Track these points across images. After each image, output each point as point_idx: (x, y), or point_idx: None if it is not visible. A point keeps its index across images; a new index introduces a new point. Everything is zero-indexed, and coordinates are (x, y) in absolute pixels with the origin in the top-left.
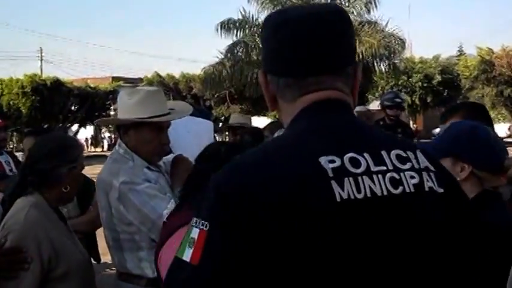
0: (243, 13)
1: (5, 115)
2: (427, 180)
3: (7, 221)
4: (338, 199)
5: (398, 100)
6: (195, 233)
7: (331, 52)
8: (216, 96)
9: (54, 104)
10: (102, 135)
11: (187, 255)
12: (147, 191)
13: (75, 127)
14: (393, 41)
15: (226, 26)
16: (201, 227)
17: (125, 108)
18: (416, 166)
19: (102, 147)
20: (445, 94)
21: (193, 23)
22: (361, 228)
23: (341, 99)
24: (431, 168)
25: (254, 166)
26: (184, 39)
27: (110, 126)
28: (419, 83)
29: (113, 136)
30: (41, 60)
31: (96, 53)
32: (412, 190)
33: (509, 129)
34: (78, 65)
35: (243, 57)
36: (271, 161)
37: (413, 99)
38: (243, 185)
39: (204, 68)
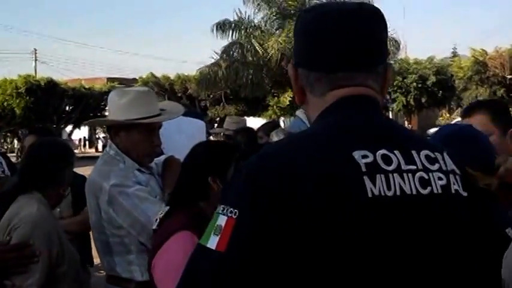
0: (239, 14)
1: None
2: (453, 183)
3: (14, 216)
4: (370, 195)
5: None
6: (222, 220)
7: (364, 49)
8: (211, 96)
9: (49, 105)
10: (97, 136)
11: (212, 243)
12: (138, 194)
13: (69, 128)
14: (388, 42)
15: (222, 26)
16: (229, 215)
17: (116, 109)
18: (444, 168)
19: (96, 148)
20: (439, 95)
21: (189, 24)
22: (389, 225)
23: (371, 96)
24: (457, 171)
25: (286, 155)
26: (179, 40)
27: (104, 127)
28: (414, 84)
29: (108, 137)
30: (35, 60)
31: (91, 53)
32: (440, 191)
33: None
34: (72, 66)
35: (238, 58)
36: (304, 152)
37: (408, 99)
38: (275, 174)
39: (200, 68)
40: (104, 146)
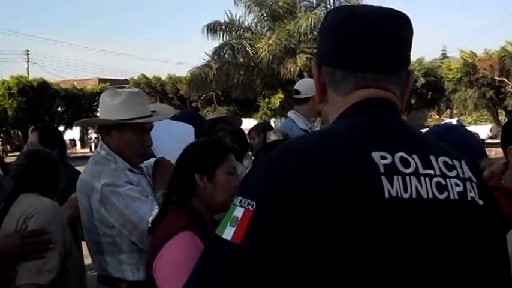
0: (230, 16)
1: None
2: (470, 191)
3: (27, 208)
4: (387, 196)
5: None
6: (238, 211)
7: (391, 53)
8: (202, 97)
9: (41, 105)
10: (89, 136)
11: (228, 234)
12: (129, 194)
13: (61, 128)
14: None
15: (213, 28)
16: (246, 206)
17: (107, 109)
18: (461, 175)
19: (90, 148)
20: (428, 96)
21: (180, 25)
22: (404, 227)
23: (392, 101)
24: (474, 179)
25: (307, 151)
26: (171, 42)
27: (96, 127)
28: None
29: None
30: (28, 62)
31: (82, 55)
32: (456, 197)
33: (490, 130)
34: (64, 67)
35: (229, 59)
36: (324, 149)
37: None
38: (295, 168)
39: (191, 70)
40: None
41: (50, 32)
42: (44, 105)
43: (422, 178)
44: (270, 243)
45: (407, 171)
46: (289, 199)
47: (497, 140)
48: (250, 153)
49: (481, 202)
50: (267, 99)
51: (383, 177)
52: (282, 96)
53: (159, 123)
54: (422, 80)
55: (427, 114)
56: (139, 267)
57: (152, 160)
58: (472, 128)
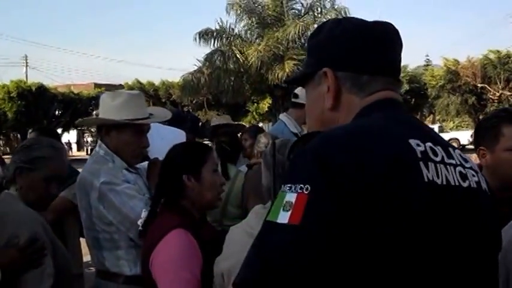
0: (220, 23)
1: None
2: (482, 181)
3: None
4: (426, 179)
5: None
6: (291, 197)
7: (400, 59)
8: (194, 102)
9: (39, 109)
10: (85, 140)
11: (283, 218)
12: (127, 192)
13: (58, 131)
14: None
15: (204, 35)
16: (299, 190)
17: (108, 109)
18: (473, 167)
19: (87, 150)
20: (412, 102)
21: (173, 32)
22: (441, 209)
23: (401, 101)
24: (479, 172)
25: (351, 137)
26: (164, 48)
27: (93, 131)
28: None
29: (95, 141)
30: (26, 66)
31: (79, 60)
32: (475, 186)
33: (471, 136)
34: (62, 72)
35: (220, 65)
36: (366, 134)
37: None
38: (343, 148)
39: (183, 75)
40: (91, 150)
41: (47, 38)
42: (42, 108)
43: (448, 167)
44: (330, 221)
45: (437, 159)
46: (341, 179)
47: None
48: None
49: (489, 193)
50: (255, 104)
51: (421, 162)
52: (270, 101)
53: (151, 127)
54: (406, 87)
55: None
56: (136, 262)
57: (146, 162)
58: (453, 134)
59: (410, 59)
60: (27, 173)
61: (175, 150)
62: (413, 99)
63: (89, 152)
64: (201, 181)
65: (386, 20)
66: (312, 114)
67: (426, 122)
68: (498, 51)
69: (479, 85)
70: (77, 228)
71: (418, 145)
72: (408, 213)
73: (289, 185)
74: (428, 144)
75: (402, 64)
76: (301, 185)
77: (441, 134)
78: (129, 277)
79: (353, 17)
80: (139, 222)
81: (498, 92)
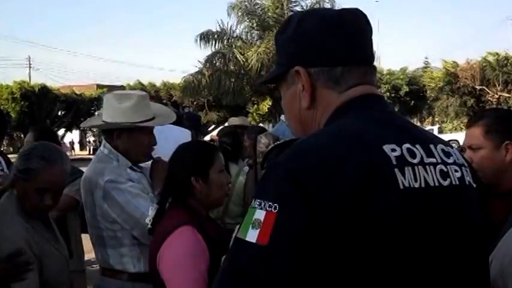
0: (221, 25)
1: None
2: (466, 175)
3: None
4: (401, 186)
5: None
6: (259, 214)
7: (371, 46)
8: (194, 103)
9: (42, 110)
10: (88, 139)
11: (252, 236)
12: (131, 190)
13: (61, 131)
14: None
15: (205, 37)
16: (268, 209)
17: (116, 112)
18: (457, 161)
19: (89, 150)
20: (411, 104)
21: (174, 33)
22: (417, 215)
23: (382, 95)
24: (466, 164)
25: (324, 148)
26: (166, 49)
27: (94, 130)
28: (387, 94)
29: (97, 140)
30: (30, 67)
31: (81, 61)
32: (457, 183)
33: None
34: (64, 73)
35: (221, 67)
36: (339, 145)
37: None
38: (315, 165)
39: (184, 77)
40: (94, 149)
41: (50, 39)
42: (45, 109)
43: (427, 167)
44: (299, 241)
45: (415, 161)
46: (312, 196)
47: None
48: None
49: (474, 185)
50: (255, 106)
51: (396, 169)
52: (270, 103)
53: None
54: (405, 88)
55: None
56: (140, 259)
57: (150, 162)
58: (452, 135)
59: (410, 60)
60: (22, 182)
61: (183, 151)
62: (412, 101)
63: (91, 152)
64: (209, 182)
65: (387, 25)
66: (290, 114)
67: (425, 124)
68: (497, 54)
69: (478, 87)
70: (78, 225)
71: (393, 150)
72: (383, 226)
73: (258, 201)
74: (406, 145)
75: (401, 66)
76: (270, 203)
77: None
78: (132, 274)
79: (319, 9)
80: (148, 220)
81: (497, 94)
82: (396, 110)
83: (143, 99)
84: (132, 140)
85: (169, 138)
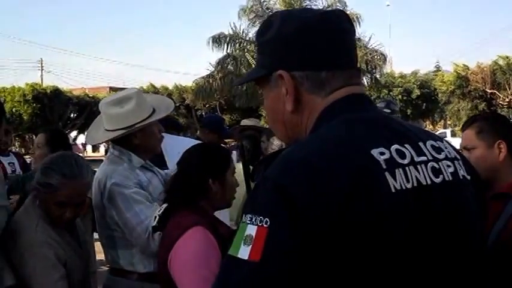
0: (234, 28)
1: (7, 121)
2: (459, 169)
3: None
4: (393, 190)
5: (387, 110)
6: (251, 230)
7: (354, 47)
8: (207, 106)
9: (54, 112)
10: None
11: (244, 253)
12: (134, 196)
13: (74, 133)
14: (375, 56)
15: (218, 40)
16: (259, 224)
17: (122, 117)
18: (449, 155)
19: (105, 151)
20: (423, 107)
21: (190, 36)
22: (412, 216)
23: (367, 95)
24: (458, 157)
25: (312, 157)
26: (181, 52)
27: None
28: (399, 97)
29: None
30: (42, 70)
31: (94, 64)
32: (450, 178)
33: None
34: (77, 75)
35: (232, 70)
36: (327, 154)
37: None
38: (304, 177)
39: (196, 80)
40: (106, 151)
41: (62, 42)
42: (57, 111)
43: (418, 166)
44: (292, 256)
45: (405, 162)
46: (303, 209)
47: None
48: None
49: (469, 177)
50: None
51: (386, 173)
52: None
53: (169, 140)
54: (417, 92)
55: (422, 125)
56: (150, 260)
57: (169, 171)
58: None
59: (421, 64)
60: (43, 195)
61: (200, 153)
62: (424, 104)
63: (103, 153)
64: (225, 185)
65: (399, 28)
66: (274, 117)
67: (438, 127)
68: (507, 57)
69: (488, 91)
70: (90, 226)
71: (381, 154)
72: (378, 233)
73: (250, 216)
74: (394, 147)
75: (413, 69)
76: (261, 217)
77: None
78: (142, 274)
79: (301, 10)
80: (155, 214)
81: (507, 97)
82: (408, 113)
83: (140, 96)
84: (147, 135)
85: (181, 150)
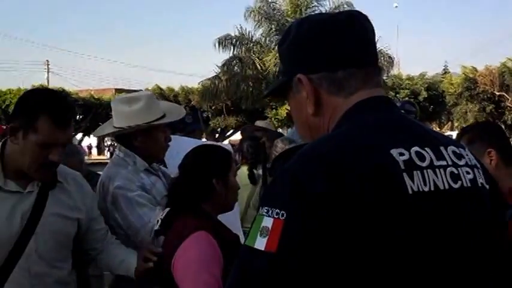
0: (240, 30)
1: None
2: (479, 177)
3: None
4: (410, 191)
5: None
6: (267, 221)
7: (375, 48)
8: (213, 108)
9: None
10: (105, 144)
11: (260, 244)
12: (137, 199)
13: (79, 136)
14: (382, 58)
15: (224, 42)
16: (275, 216)
17: (129, 115)
18: (469, 162)
19: (111, 154)
20: (430, 109)
21: (196, 38)
22: (428, 220)
23: (387, 97)
24: (478, 165)
25: (330, 154)
26: (185, 54)
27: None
28: (406, 99)
29: (115, 144)
30: (48, 71)
31: (100, 65)
32: (469, 185)
33: None
34: (82, 77)
35: (238, 71)
36: (346, 150)
37: None
38: (321, 172)
39: (202, 81)
40: (111, 153)
41: (68, 43)
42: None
43: (437, 170)
44: (306, 249)
45: (424, 164)
46: (319, 203)
47: None
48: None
49: (487, 187)
50: (274, 110)
51: (404, 174)
52: (288, 108)
53: (173, 141)
54: (424, 94)
55: (429, 127)
56: None
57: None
58: None
59: (429, 66)
60: None
61: (203, 153)
62: (431, 107)
63: (108, 156)
64: (228, 185)
65: (407, 30)
66: (299, 121)
67: (445, 129)
68: None
69: (497, 93)
70: None
71: (401, 154)
72: (393, 232)
73: (266, 208)
74: (414, 149)
75: (420, 71)
76: (277, 210)
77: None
78: None
79: (315, 14)
80: (158, 218)
81: None
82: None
83: (151, 99)
84: (149, 140)
85: (180, 150)
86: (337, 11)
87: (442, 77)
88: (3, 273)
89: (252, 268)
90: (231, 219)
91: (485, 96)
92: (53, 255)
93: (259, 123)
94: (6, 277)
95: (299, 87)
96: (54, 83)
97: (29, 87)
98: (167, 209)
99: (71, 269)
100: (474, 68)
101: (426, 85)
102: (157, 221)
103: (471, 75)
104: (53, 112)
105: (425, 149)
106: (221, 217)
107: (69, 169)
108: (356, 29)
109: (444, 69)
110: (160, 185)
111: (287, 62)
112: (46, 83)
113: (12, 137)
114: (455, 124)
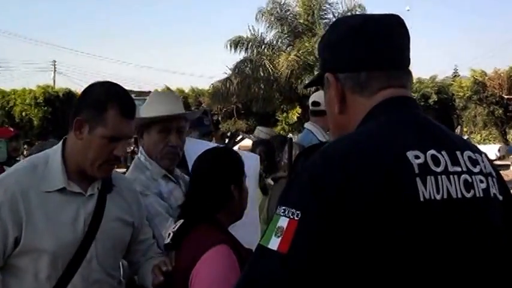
0: (252, 32)
1: (17, 125)
2: (492, 186)
3: None
4: (421, 198)
5: None
6: (283, 221)
7: (405, 50)
8: (223, 110)
9: (66, 115)
10: None
11: (273, 244)
12: (154, 207)
13: None
14: None
15: (235, 43)
16: (291, 216)
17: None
18: (484, 170)
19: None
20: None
21: (203, 39)
22: (438, 229)
23: (412, 97)
24: (494, 173)
25: (349, 154)
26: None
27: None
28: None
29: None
30: (54, 72)
31: (108, 66)
32: (481, 195)
33: (498, 150)
34: (90, 78)
35: (250, 73)
36: (363, 152)
37: None
38: (340, 171)
39: (213, 83)
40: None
41: (76, 43)
42: (69, 115)
43: (451, 176)
44: (317, 251)
45: (438, 169)
46: (334, 202)
47: (505, 162)
48: None
49: (500, 197)
50: (285, 114)
51: (417, 179)
52: (299, 111)
53: (191, 144)
54: (434, 97)
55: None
56: None
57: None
58: (480, 148)
59: (439, 69)
60: None
61: (217, 158)
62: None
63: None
64: (242, 191)
65: (418, 33)
66: (330, 118)
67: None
68: None
69: (505, 96)
70: None
71: (416, 157)
72: (403, 239)
73: (283, 208)
74: (431, 152)
75: (430, 75)
76: (293, 210)
77: None
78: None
79: (351, 16)
80: (169, 231)
81: None
82: None
83: (159, 96)
84: (149, 139)
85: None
86: (349, 13)
87: (452, 81)
88: (64, 281)
89: (262, 268)
90: (249, 232)
91: (494, 100)
92: (110, 262)
93: (261, 129)
94: (65, 285)
95: (328, 84)
96: (61, 84)
97: (34, 88)
98: (180, 221)
99: (120, 279)
100: (483, 71)
101: (436, 88)
102: (168, 234)
103: (480, 79)
104: (121, 103)
105: (442, 152)
106: (240, 229)
107: (118, 173)
108: (382, 33)
109: (454, 72)
110: (179, 193)
111: (321, 59)
112: (52, 84)
113: (77, 131)
114: (465, 129)
